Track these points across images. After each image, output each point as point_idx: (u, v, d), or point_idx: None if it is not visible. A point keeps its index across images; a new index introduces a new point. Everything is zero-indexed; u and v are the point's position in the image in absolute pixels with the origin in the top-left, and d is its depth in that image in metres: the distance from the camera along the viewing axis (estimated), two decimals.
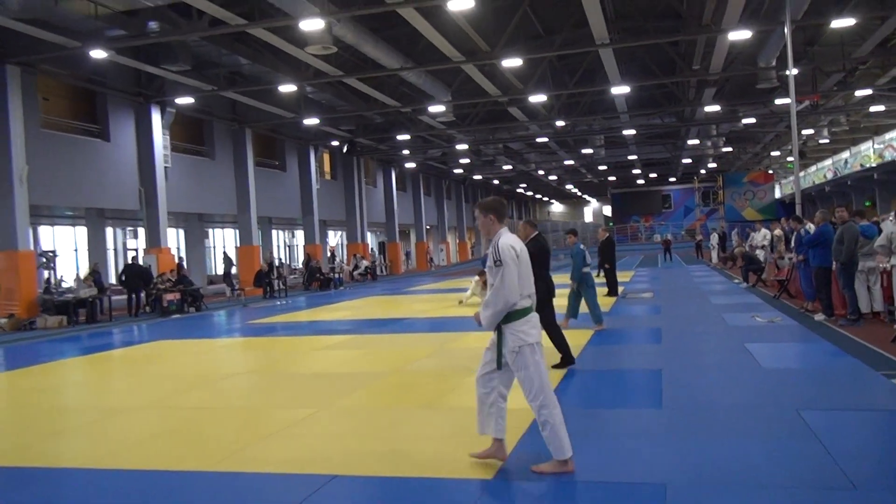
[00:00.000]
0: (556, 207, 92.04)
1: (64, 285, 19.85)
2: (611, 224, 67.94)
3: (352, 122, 30.85)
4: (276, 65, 20.81)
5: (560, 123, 31.18)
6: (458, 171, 49.11)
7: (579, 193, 79.93)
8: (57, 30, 16.22)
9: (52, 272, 19.89)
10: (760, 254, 19.52)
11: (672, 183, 65.86)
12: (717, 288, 18.44)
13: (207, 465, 5.28)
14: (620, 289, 17.98)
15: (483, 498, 4.37)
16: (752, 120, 32.81)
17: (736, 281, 19.89)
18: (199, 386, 8.65)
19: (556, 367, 8.19)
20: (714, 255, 30.59)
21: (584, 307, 11.72)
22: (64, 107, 21.23)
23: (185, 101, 22.65)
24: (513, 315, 4.73)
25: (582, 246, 11.87)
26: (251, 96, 23.85)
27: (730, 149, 46.27)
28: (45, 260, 19.85)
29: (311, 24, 15.51)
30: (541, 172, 53.71)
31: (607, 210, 77.45)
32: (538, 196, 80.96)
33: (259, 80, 22.74)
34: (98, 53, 16.95)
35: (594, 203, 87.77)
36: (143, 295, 20.44)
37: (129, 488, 4.96)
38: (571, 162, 46.71)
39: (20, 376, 10.53)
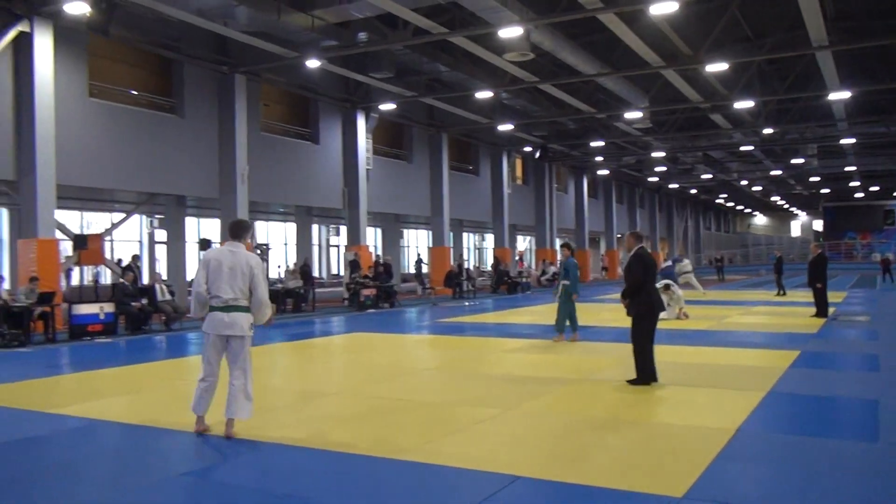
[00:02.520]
0: (759, 220, 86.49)
1: (273, 276, 21.61)
2: (820, 240, 62.80)
3: (545, 127, 30.90)
4: (473, 72, 21.32)
5: (768, 131, 29.30)
6: (653, 179, 47.59)
7: (786, 206, 74.58)
8: (278, 41, 17.69)
9: (265, 263, 21.68)
10: None
11: None
12: None
13: (396, 454, 5.51)
14: (831, 310, 16.58)
15: None
16: None
17: None
18: (390, 378, 9.06)
19: (630, 382, 8.16)
20: None
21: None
22: (280, 112, 23.08)
23: (387, 106, 23.80)
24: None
25: (574, 259, 12.24)
26: (449, 102, 24.61)
27: None
28: (259, 252, 21.70)
29: (510, 32, 15.73)
30: (744, 183, 50.77)
31: (818, 224, 71.62)
32: (739, 207, 76.59)
33: (457, 86, 23.41)
34: (313, 63, 18.27)
35: (803, 216, 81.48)
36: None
37: (322, 468, 5.30)
38: (779, 172, 43.74)
39: None
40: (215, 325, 6.01)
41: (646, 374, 8.17)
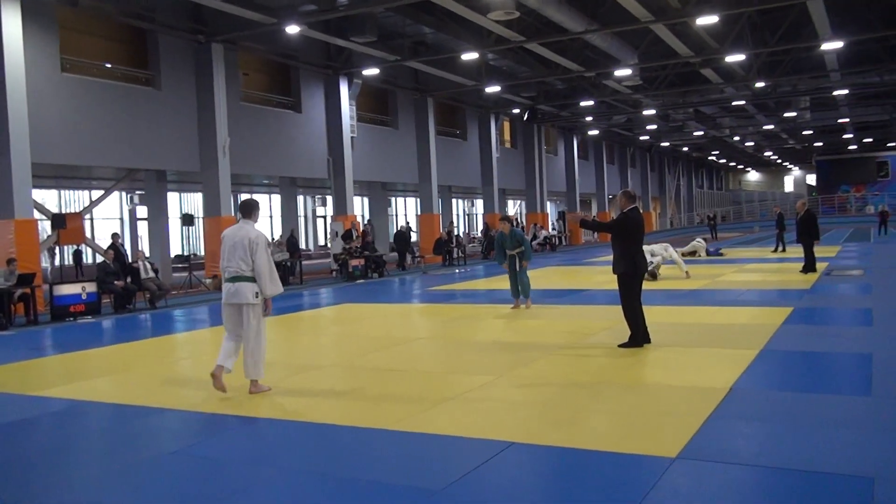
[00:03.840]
0: (752, 176, 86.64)
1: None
2: (814, 193, 63.01)
3: (533, 88, 30.71)
4: (458, 33, 21.09)
5: (759, 85, 29.20)
6: (644, 137, 47.51)
7: (779, 161, 74.69)
8: (256, 7, 17.41)
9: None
10: None
11: (891, 148, 59.77)
12: None
13: (388, 424, 5.54)
14: (824, 265, 16.70)
15: (666, 477, 4.25)
16: None
17: None
18: (382, 348, 9.08)
19: (622, 345, 8.22)
20: None
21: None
22: (260, 81, 22.82)
23: (370, 72, 23.57)
24: None
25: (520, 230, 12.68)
26: (434, 65, 24.37)
27: None
28: None
29: None
30: (736, 138, 50.77)
31: (811, 179, 71.81)
32: (732, 164, 76.68)
33: (442, 48, 23.17)
34: (292, 28, 18.02)
35: (796, 171, 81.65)
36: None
37: (313, 440, 5.33)
38: (771, 126, 43.75)
39: (222, 333, 11.58)
40: (225, 295, 6.75)
41: (637, 336, 8.21)
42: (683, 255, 22.36)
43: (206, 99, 19.38)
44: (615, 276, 8.38)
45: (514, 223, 13.44)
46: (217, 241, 19.40)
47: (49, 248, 17.22)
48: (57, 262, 18.33)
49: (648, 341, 8.26)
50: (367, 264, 21.34)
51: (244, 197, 7.16)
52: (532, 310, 12.11)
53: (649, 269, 15.63)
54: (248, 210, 6.85)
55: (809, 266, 16.00)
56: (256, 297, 6.63)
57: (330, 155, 24.04)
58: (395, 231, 25.58)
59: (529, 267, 12.54)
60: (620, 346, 8.24)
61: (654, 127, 42.48)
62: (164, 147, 18.72)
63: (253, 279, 6.62)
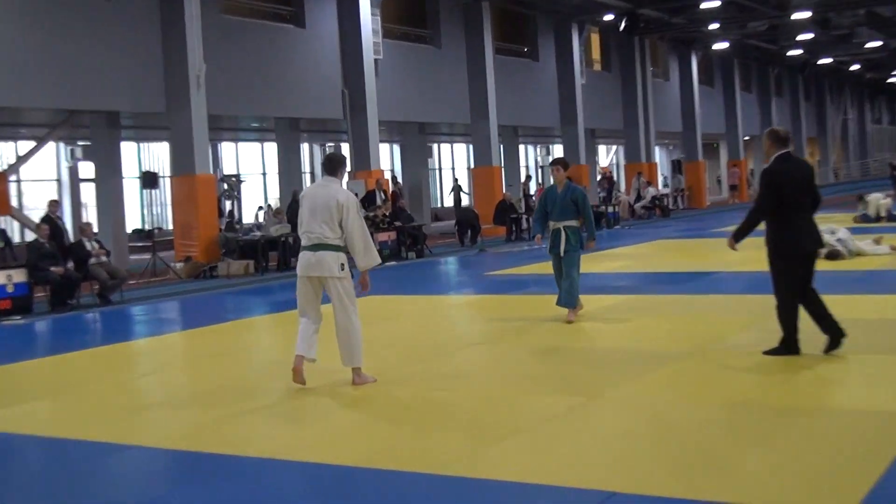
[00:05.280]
0: None
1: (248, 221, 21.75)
2: None
3: None
4: None
5: None
6: (795, 52, 46.58)
7: None
8: None
9: (235, 203, 21.77)
10: None
11: None
12: None
13: (433, 468, 5.51)
14: None
15: None
16: None
17: None
18: (424, 359, 9.09)
19: (769, 352, 7.99)
20: None
21: None
22: None
23: None
24: None
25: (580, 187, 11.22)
26: None
27: None
28: (227, 187, 21.81)
29: None
30: None
31: None
32: None
33: None
34: None
35: None
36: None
37: (326, 489, 5.36)
38: None
39: (199, 337, 11.73)
40: (303, 266, 7.63)
41: (791, 340, 7.99)
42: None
43: (173, 11, 19.45)
44: (758, 252, 8.25)
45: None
46: (185, 208, 19.81)
47: None
48: None
49: (797, 352, 7.95)
50: (399, 239, 21.36)
51: (330, 152, 8.10)
52: (636, 305, 11.97)
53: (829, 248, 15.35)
54: (333, 165, 7.87)
55: None
56: (343, 269, 7.54)
57: (345, 86, 24.02)
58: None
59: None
60: (766, 353, 8.08)
61: (808, 37, 41.57)
62: (117, 80, 18.91)
63: (338, 248, 7.52)
